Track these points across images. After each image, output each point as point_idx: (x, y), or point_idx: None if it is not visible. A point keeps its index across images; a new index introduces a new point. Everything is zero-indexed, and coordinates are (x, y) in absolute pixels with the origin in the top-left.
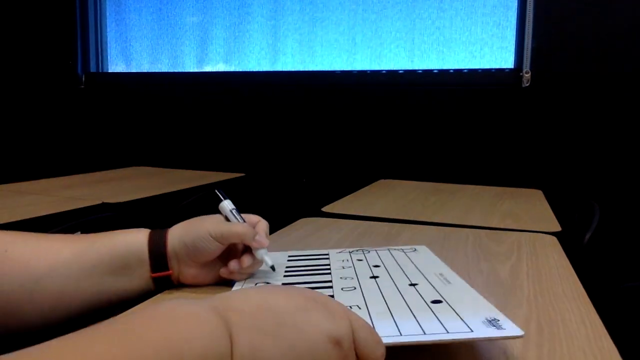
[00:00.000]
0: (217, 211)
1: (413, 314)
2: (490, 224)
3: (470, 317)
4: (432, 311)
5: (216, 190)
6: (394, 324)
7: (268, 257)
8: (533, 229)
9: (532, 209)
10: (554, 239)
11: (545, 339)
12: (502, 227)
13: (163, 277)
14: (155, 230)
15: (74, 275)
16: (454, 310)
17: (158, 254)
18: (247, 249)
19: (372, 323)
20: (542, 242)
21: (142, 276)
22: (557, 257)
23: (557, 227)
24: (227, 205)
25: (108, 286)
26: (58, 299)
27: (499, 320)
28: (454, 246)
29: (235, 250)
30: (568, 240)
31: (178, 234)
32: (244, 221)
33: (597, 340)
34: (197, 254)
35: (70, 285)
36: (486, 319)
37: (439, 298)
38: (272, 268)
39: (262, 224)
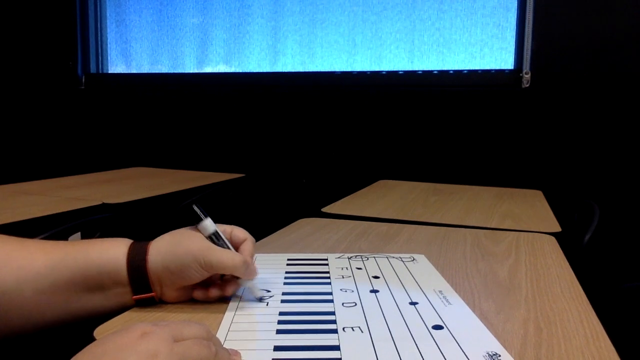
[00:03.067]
0: (216, 211)
1: (414, 340)
2: (489, 224)
3: (471, 349)
4: (433, 338)
5: (194, 207)
6: (396, 350)
7: (257, 289)
8: (532, 230)
9: (532, 209)
10: (553, 239)
11: (544, 339)
12: (501, 227)
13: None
14: (135, 247)
15: (46, 290)
16: (455, 339)
17: (138, 276)
18: None
19: (374, 348)
20: (541, 242)
21: (118, 294)
22: (555, 257)
23: (556, 228)
24: (209, 226)
25: (83, 302)
26: (28, 311)
27: (500, 356)
28: (452, 246)
29: None
30: (568, 240)
31: (161, 258)
32: (229, 245)
33: (595, 340)
34: (181, 280)
35: (42, 300)
36: (487, 353)
37: (440, 323)
38: (260, 299)
39: (249, 245)
